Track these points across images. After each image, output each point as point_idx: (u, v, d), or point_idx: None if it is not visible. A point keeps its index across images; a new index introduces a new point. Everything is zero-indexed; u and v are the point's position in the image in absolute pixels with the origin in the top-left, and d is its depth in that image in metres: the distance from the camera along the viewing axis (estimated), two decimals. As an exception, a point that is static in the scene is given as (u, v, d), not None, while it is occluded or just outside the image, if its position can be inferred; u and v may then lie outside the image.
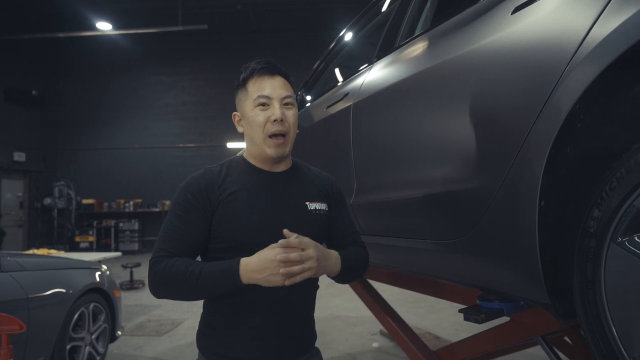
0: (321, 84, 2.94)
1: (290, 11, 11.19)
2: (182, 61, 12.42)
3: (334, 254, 1.25)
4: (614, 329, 0.91)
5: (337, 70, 2.90)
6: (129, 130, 12.40)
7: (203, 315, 1.29)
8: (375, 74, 1.92)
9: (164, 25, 10.35)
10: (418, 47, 1.65)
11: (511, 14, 1.17)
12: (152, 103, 12.45)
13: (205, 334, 1.27)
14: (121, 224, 11.86)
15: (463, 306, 1.56)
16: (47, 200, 11.70)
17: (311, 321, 1.33)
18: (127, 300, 5.77)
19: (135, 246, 11.79)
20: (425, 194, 1.46)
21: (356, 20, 2.62)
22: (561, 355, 1.65)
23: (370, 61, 2.07)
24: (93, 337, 3.20)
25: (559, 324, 1.30)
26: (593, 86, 0.90)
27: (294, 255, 1.10)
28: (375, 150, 1.85)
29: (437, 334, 4.22)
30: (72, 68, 12.49)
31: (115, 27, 10.39)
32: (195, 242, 1.21)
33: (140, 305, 5.78)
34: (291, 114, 1.26)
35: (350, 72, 2.33)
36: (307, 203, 1.29)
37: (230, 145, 11.83)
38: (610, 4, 0.89)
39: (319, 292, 1.35)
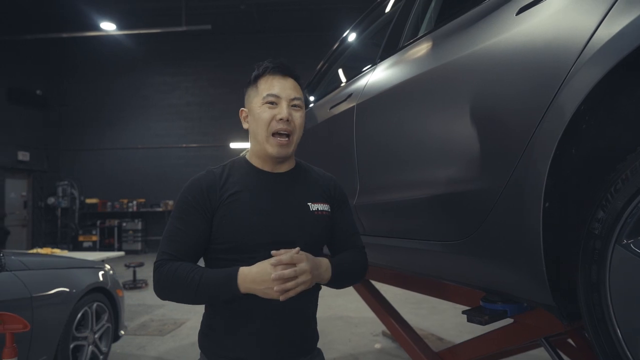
0: (325, 84, 2.94)
1: (294, 11, 11.19)
2: (186, 61, 12.44)
3: (324, 262, 1.24)
4: (618, 331, 0.91)
5: (340, 71, 2.90)
6: (132, 130, 12.42)
7: (204, 317, 1.30)
8: (379, 75, 1.91)
9: (168, 26, 10.37)
10: (422, 48, 1.65)
11: (516, 15, 1.16)
12: (155, 103, 12.47)
13: (207, 335, 1.27)
14: (124, 224, 11.89)
15: (466, 307, 1.55)
16: (51, 200, 11.75)
17: (312, 324, 1.32)
18: (130, 299, 5.78)
19: (139, 246, 11.82)
20: (429, 195, 1.46)
21: (360, 20, 2.62)
22: (565, 357, 1.64)
23: (374, 62, 2.07)
24: (96, 336, 3.22)
25: (563, 326, 1.30)
26: (598, 87, 0.90)
27: (287, 272, 1.11)
28: (378, 151, 1.84)
29: (440, 335, 4.21)
30: (75, 68, 12.53)
31: (119, 27, 10.40)
32: (197, 243, 1.21)
33: (143, 304, 5.78)
34: (298, 115, 1.26)
35: (353, 73, 2.33)
36: (310, 204, 1.29)
37: (234, 145, 11.83)
38: (615, 6, 0.89)
39: (321, 293, 1.35)
